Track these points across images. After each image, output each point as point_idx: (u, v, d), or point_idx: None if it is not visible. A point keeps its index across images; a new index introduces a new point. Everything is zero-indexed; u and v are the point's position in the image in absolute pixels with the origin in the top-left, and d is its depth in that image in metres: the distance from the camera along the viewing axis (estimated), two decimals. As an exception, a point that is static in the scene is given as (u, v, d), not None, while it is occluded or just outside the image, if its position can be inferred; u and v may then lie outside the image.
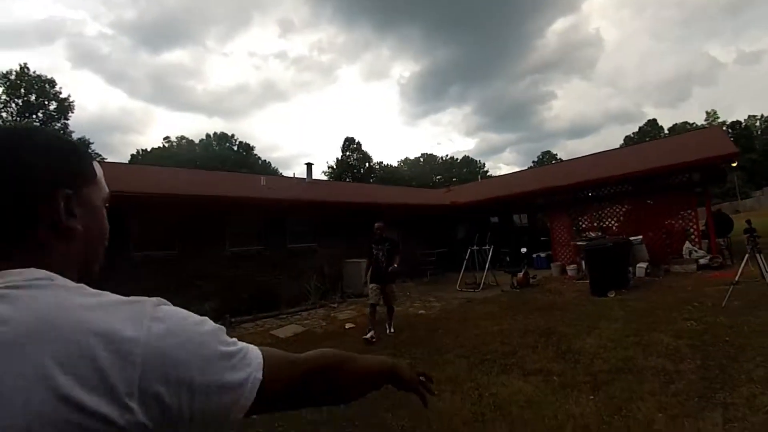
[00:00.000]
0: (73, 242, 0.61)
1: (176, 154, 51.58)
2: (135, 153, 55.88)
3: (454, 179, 60.22)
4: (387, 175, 51.65)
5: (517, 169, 28.26)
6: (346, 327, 7.43)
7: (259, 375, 0.61)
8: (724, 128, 37.48)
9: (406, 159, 69.70)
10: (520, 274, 10.21)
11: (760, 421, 2.81)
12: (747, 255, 6.13)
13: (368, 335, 5.93)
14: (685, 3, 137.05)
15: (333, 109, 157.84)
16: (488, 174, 66.42)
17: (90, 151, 42.76)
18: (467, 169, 69.33)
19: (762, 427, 2.74)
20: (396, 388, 0.96)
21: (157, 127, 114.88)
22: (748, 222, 6.68)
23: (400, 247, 6.57)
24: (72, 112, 41.37)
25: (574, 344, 4.91)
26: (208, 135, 60.68)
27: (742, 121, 64.31)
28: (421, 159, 72.10)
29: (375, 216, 13.59)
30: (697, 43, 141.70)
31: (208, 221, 9.50)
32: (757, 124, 65.85)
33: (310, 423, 3.50)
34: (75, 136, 42.05)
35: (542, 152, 79.52)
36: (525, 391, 3.69)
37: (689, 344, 4.52)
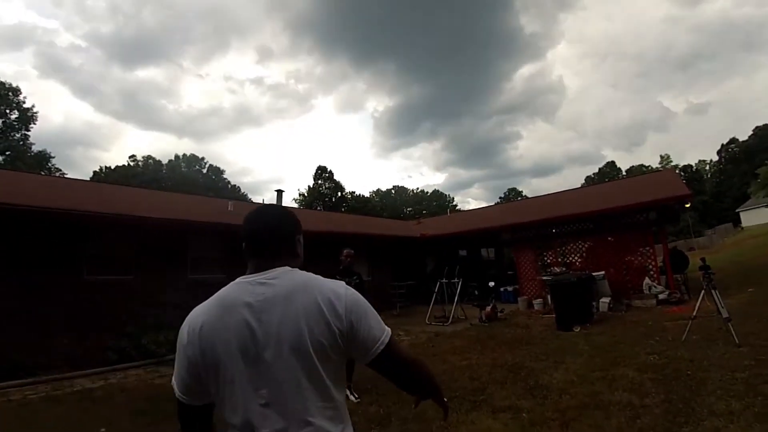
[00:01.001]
0: (299, 259, 1.22)
1: (141, 174, 49.73)
2: (98, 170, 53.37)
3: (424, 212, 60.87)
4: (358, 205, 51.60)
5: (484, 204, 29.02)
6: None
7: (389, 337, 1.09)
8: (677, 171, 39.95)
9: (378, 190, 70.09)
10: (488, 308, 10.23)
11: (725, 457, 2.81)
12: (703, 291, 6.37)
13: (351, 395, 4.78)
14: (641, 57, 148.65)
15: (306, 137, 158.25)
16: (457, 208, 67.65)
17: (50, 165, 40.89)
18: (437, 202, 70.36)
19: (727, 462, 2.74)
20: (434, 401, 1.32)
21: (123, 144, 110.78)
22: (703, 260, 7.02)
23: (365, 286, 5.11)
24: (34, 123, 39.35)
25: (541, 379, 4.87)
26: (176, 156, 58.88)
27: (693, 165, 68.93)
28: (393, 191, 72.71)
29: (343, 244, 13.50)
30: (652, 94, 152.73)
31: (169, 246, 9.10)
32: (707, 168, 70.63)
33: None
34: (35, 148, 40.14)
35: (508, 189, 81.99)
36: (494, 430, 3.59)
37: (652, 378, 4.57)
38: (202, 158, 60.88)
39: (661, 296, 9.94)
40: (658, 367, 4.96)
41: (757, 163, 33.47)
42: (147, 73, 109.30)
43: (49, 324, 7.18)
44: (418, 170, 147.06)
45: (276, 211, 1.24)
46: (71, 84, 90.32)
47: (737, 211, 45.86)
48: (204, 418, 1.11)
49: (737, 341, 5.43)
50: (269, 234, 1.15)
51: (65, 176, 33.70)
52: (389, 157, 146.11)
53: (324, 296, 1.02)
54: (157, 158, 56.79)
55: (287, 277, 1.06)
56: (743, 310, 7.63)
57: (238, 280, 1.13)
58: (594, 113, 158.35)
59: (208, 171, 60.31)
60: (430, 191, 75.87)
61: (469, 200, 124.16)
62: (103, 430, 4.20)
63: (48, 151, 41.19)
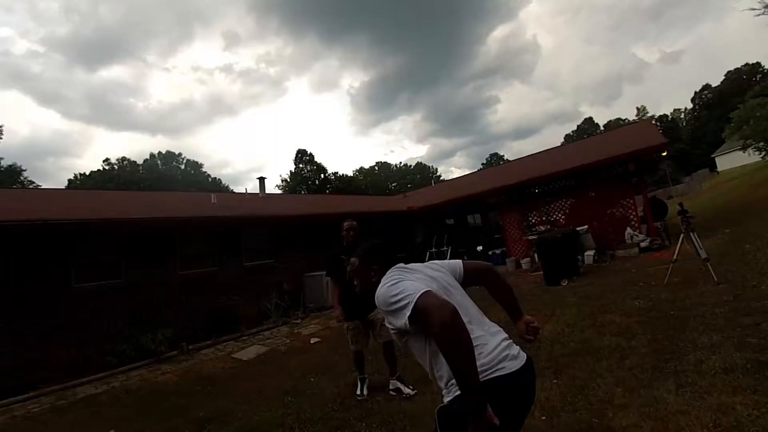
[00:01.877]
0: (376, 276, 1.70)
1: (118, 177, 48.51)
2: (72, 178, 51.90)
3: (409, 185, 60.94)
4: (343, 185, 51.32)
5: (467, 172, 29.09)
6: (312, 342, 7.28)
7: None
8: (654, 122, 40.50)
9: (361, 168, 69.73)
10: (480, 272, 10.42)
11: (708, 384, 3.01)
12: (682, 235, 6.60)
13: (361, 391, 4.18)
14: (613, 8, 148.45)
15: (284, 121, 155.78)
16: (441, 178, 67.86)
17: (22, 178, 39.66)
18: (420, 174, 70.43)
19: (711, 388, 2.93)
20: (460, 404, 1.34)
21: (96, 149, 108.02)
22: (681, 204, 7.16)
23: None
24: (0, 138, 37.97)
25: (534, 333, 5.06)
26: (152, 155, 57.66)
27: (669, 114, 69.86)
28: (376, 167, 72.50)
29: (333, 226, 13.52)
30: (625, 46, 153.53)
31: (156, 246, 9.01)
32: (682, 116, 71.64)
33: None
34: (4, 163, 38.79)
35: (490, 154, 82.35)
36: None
37: (639, 321, 4.80)
38: (179, 154, 59.70)
39: (642, 244, 10.25)
40: (643, 311, 5.19)
41: (731, 107, 34.02)
42: (111, 73, 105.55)
43: (45, 336, 7.13)
44: (399, 144, 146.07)
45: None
46: (34, 93, 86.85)
47: (712, 156, 46.89)
48: None
49: (716, 279, 5.68)
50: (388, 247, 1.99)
51: (40, 188, 32.78)
52: (369, 133, 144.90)
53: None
54: (133, 159, 55.50)
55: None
56: (721, 249, 7.95)
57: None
58: (570, 70, 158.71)
59: (186, 166, 59.22)
60: (413, 164, 75.88)
61: (453, 169, 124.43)
62: (112, 431, 4.26)
63: (18, 165, 39.92)
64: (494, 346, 1.48)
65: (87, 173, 51.67)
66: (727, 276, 5.91)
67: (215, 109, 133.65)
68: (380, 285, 1.59)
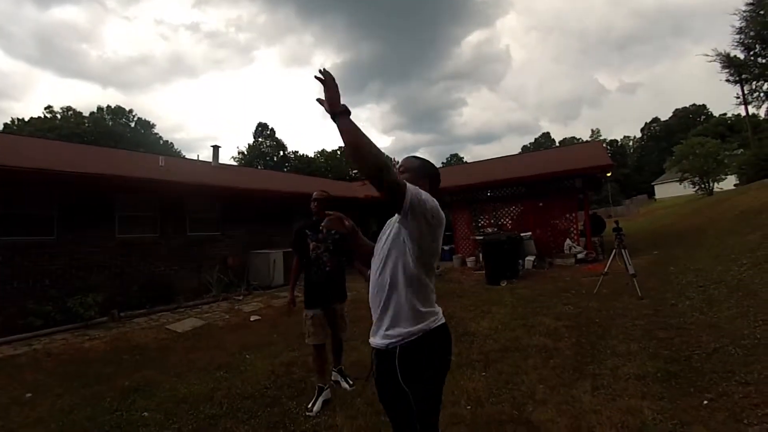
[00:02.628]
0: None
1: (60, 127, 44.64)
2: (9, 122, 47.43)
3: (368, 175, 60.64)
4: (302, 165, 50.42)
5: (427, 168, 29.41)
6: (252, 319, 7.15)
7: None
8: (604, 145, 42.88)
9: (323, 150, 68.47)
10: (426, 266, 10.67)
11: (622, 387, 3.27)
12: (615, 250, 7.08)
13: (313, 404, 3.33)
14: (584, 35, 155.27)
15: (247, 92, 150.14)
16: (401, 172, 68.13)
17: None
18: (382, 165, 70.53)
19: (623, 392, 3.18)
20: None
21: (38, 94, 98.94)
22: (616, 222, 7.79)
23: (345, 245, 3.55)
24: None
25: (470, 327, 5.28)
26: (100, 108, 53.46)
27: (619, 140, 74.35)
28: (338, 152, 71.73)
29: (288, 204, 13.31)
30: (589, 70, 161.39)
31: (95, 204, 8.44)
32: (631, 144, 76.56)
33: (208, 417, 3.31)
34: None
35: (451, 154, 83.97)
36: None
37: (566, 325, 5.11)
38: (130, 111, 55.95)
39: (579, 256, 10.90)
40: (571, 316, 5.53)
41: (675, 141, 36.75)
42: (65, 13, 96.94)
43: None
44: (365, 131, 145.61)
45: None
46: (-26, 23, 78.24)
47: (653, 184, 50.45)
48: None
49: (640, 294, 6.15)
50: None
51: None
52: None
53: None
54: (78, 110, 51.25)
55: None
56: (648, 269, 8.59)
57: None
58: (536, 85, 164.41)
59: (136, 125, 55.69)
60: (375, 154, 75.69)
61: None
62: (29, 395, 4.00)
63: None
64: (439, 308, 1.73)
65: (26, 119, 47.38)
66: (650, 292, 6.40)
67: (175, 68, 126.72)
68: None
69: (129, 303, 8.17)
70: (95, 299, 7.41)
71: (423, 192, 1.48)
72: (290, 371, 4.24)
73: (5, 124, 47.01)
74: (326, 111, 1.47)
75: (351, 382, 3.72)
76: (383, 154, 1.41)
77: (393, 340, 1.56)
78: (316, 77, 1.49)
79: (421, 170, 1.80)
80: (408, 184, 1.44)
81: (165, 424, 3.22)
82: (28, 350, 5.75)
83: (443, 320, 1.67)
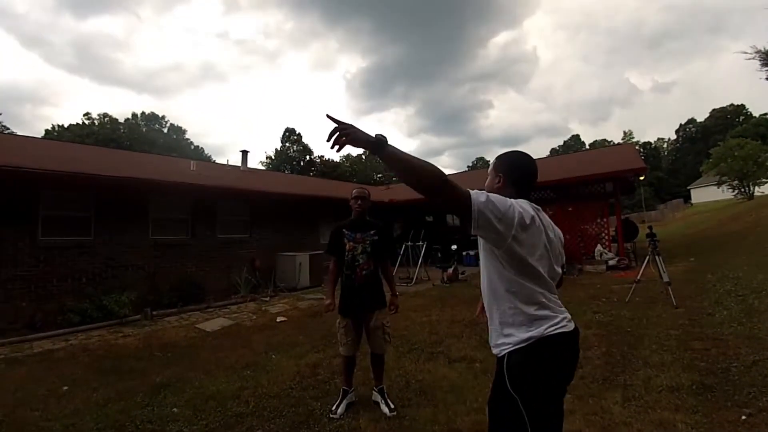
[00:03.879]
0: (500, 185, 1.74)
1: (97, 133, 46.79)
2: (50, 128, 49.57)
3: (393, 178, 60.87)
4: (328, 170, 50.86)
5: (454, 172, 29.33)
6: (278, 320, 7.26)
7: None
8: (637, 147, 41.58)
9: (348, 155, 69.09)
10: (450, 270, 10.60)
11: (654, 399, 3.15)
12: (648, 257, 6.84)
13: (337, 406, 3.28)
14: (614, 32, 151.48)
15: (274, 97, 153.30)
16: (426, 175, 67.89)
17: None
18: (407, 169, 70.44)
19: (656, 404, 3.07)
20: None
21: (77, 101, 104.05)
22: (650, 228, 7.52)
23: (390, 242, 3.56)
24: None
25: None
26: (134, 114, 55.71)
27: (652, 142, 71.85)
28: (363, 156, 72.18)
29: (313, 208, 13.50)
30: (620, 70, 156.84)
31: (130, 206, 8.80)
32: (665, 146, 73.87)
33: (235, 415, 3.38)
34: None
35: (477, 157, 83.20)
36: (449, 377, 3.85)
37: (596, 334, 4.97)
38: (163, 117, 58.01)
39: (611, 262, 10.58)
40: (602, 324, 5.37)
41: (712, 143, 35.29)
42: (101, 23, 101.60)
43: (4, 288, 6.93)
44: (390, 136, 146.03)
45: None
46: (18, 33, 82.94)
47: (689, 188, 48.44)
48: None
49: (675, 303, 5.92)
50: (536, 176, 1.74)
51: (15, 134, 31.49)
52: (361, 120, 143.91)
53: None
54: (114, 116, 53.49)
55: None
56: (683, 276, 8.26)
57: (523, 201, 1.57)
58: (564, 86, 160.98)
59: (169, 131, 57.68)
60: (400, 158, 75.68)
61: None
62: (65, 388, 4.17)
63: (-6, 108, 38.11)
64: (561, 313, 1.58)
65: (65, 125, 49.75)
66: (686, 302, 6.16)
67: (205, 75, 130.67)
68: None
69: (161, 302, 8.45)
70: (129, 298, 7.70)
71: (490, 195, 1.40)
72: (315, 372, 4.28)
73: (46, 130, 49.47)
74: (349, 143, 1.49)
75: (392, 406, 3.23)
76: (437, 169, 1.38)
77: (503, 348, 1.54)
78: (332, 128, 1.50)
79: (498, 166, 1.73)
80: (473, 192, 1.37)
81: (193, 420, 3.30)
82: (66, 345, 6.00)
83: (566, 327, 1.53)
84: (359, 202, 3.36)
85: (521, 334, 1.49)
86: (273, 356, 5.00)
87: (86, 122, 51.12)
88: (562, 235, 1.75)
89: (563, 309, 1.60)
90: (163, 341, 6.03)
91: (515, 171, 1.69)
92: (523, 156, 1.75)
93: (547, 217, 1.66)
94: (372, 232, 3.35)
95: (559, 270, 1.66)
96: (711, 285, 7.12)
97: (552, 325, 1.50)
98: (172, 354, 5.36)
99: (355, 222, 3.38)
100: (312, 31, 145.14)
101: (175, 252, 9.49)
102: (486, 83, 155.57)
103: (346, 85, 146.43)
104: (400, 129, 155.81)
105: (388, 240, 3.46)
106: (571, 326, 1.57)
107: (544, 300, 1.53)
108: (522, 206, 1.49)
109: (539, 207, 1.63)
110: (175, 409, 3.52)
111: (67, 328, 6.82)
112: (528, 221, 1.46)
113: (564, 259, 1.75)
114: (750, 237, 11.30)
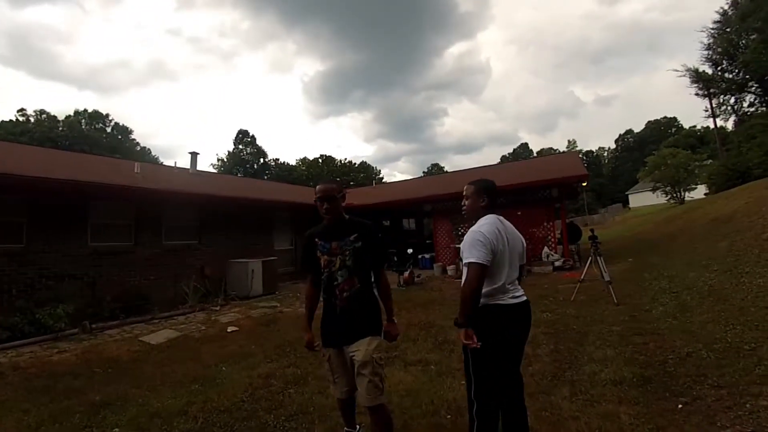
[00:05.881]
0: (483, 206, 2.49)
1: (33, 131, 43.27)
2: (-23, 125, 45.77)
3: (351, 183, 60.72)
4: (283, 173, 49.90)
5: (409, 177, 29.69)
6: (229, 330, 6.99)
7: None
8: (581, 156, 44.01)
9: (305, 159, 67.95)
10: (406, 274, 10.72)
11: (599, 393, 3.31)
12: (591, 258, 7.22)
13: None
14: (560, 48, 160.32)
15: (228, 98, 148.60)
16: (383, 180, 68.49)
17: None
18: (364, 174, 70.41)
19: (601, 397, 3.22)
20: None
21: (10, 95, 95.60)
22: (592, 230, 8.01)
23: (381, 240, 2.67)
24: None
25: (450, 335, 5.27)
26: (76, 111, 51.93)
27: (594, 150, 76.42)
28: (320, 160, 71.27)
29: (267, 213, 13.15)
30: (566, 83, 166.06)
31: (68, 211, 8.19)
32: (606, 154, 78.82)
33: None
34: None
35: (432, 164, 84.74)
36: (405, 381, 3.85)
37: (545, 332, 5.17)
38: (107, 115, 54.57)
39: (557, 263, 11.09)
40: (549, 323, 5.60)
41: (647, 152, 37.99)
42: (41, 13, 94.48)
43: None
44: (347, 140, 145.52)
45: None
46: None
47: (627, 193, 51.91)
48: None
49: (616, 301, 6.29)
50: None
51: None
52: (317, 124, 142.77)
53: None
54: (53, 113, 49.66)
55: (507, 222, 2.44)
56: (623, 276, 8.78)
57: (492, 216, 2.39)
58: (515, 97, 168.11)
59: (113, 130, 54.35)
60: (358, 162, 75.66)
61: (396, 174, 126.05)
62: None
63: None
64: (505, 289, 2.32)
65: (-3, 122, 45.70)
66: (626, 299, 6.55)
67: (155, 73, 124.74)
68: (481, 221, 2.35)
69: (101, 314, 7.89)
70: (66, 310, 7.13)
71: (465, 247, 2.29)
72: (268, 383, 4.14)
73: (-27, 127, 45.21)
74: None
75: None
76: (470, 293, 2.16)
77: None
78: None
79: (477, 192, 2.46)
80: (471, 264, 2.18)
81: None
82: (-7, 364, 5.46)
83: (507, 301, 2.29)
84: (326, 205, 2.46)
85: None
86: (223, 368, 4.80)
87: (20, 119, 47.16)
88: (520, 240, 2.48)
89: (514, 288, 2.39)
90: (104, 356, 5.63)
91: (491, 192, 2.45)
92: (490, 181, 2.53)
93: (508, 226, 2.42)
94: (352, 238, 2.46)
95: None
96: (648, 283, 7.61)
97: (495, 299, 2.31)
98: (113, 370, 5.02)
99: (329, 228, 2.53)
100: (269, 32, 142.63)
101: (117, 260, 8.92)
102: (442, 92, 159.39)
103: (303, 88, 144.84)
104: (357, 134, 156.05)
105: (374, 244, 2.53)
106: (510, 300, 2.32)
107: (500, 282, 2.30)
108: (490, 230, 2.27)
109: (501, 217, 2.42)
110: (116, 430, 3.29)
111: (-6, 345, 6.22)
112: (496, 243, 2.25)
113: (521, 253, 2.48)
114: (682, 238, 12.21)
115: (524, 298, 2.38)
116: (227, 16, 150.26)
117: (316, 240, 2.55)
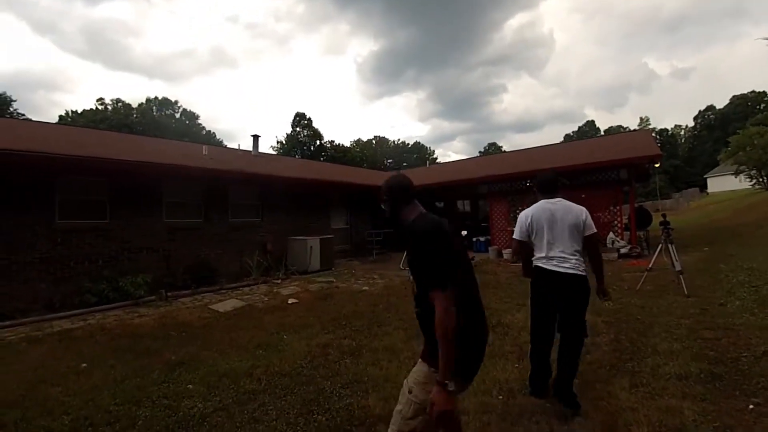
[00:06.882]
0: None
1: (111, 118, 47.31)
2: (63, 114, 50.48)
3: (404, 164, 60.72)
4: (338, 154, 50.72)
5: (465, 157, 29.07)
6: (289, 302, 7.38)
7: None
8: (653, 134, 40.75)
9: (359, 140, 68.72)
10: (462, 257, 10.61)
11: (662, 386, 3.17)
12: (661, 246, 6.77)
13: None
14: (630, 15, 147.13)
15: (285, 81, 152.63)
16: (437, 161, 67.68)
17: (11, 110, 38.44)
18: (417, 154, 70.06)
19: (663, 391, 3.08)
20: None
21: (90, 86, 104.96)
22: (664, 216, 7.40)
23: (423, 248, 1.75)
24: None
25: (504, 319, 5.23)
26: (148, 99, 56.06)
27: (669, 129, 70.16)
28: (374, 141, 71.65)
29: (324, 193, 13.56)
30: (638, 54, 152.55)
31: (144, 190, 8.94)
32: (682, 133, 72.06)
33: (247, 392, 3.48)
34: (-6, 91, 37.61)
35: (489, 143, 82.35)
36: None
37: (606, 321, 4.97)
38: (176, 102, 58.25)
39: (622, 250, 10.49)
40: (611, 312, 5.36)
41: (731, 131, 34.34)
42: (112, 9, 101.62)
43: (23, 270, 7.13)
44: (400, 120, 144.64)
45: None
46: (30, 20, 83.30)
47: (705, 177, 47.41)
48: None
49: (686, 292, 5.87)
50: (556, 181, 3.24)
51: (30, 120, 31.94)
52: (371, 105, 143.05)
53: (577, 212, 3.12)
54: (127, 101, 53.89)
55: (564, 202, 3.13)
56: (696, 266, 8.17)
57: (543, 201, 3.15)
58: (580, 71, 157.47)
59: (181, 116, 57.97)
60: (411, 143, 75.27)
61: (450, 153, 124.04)
62: (84, 365, 4.31)
63: (8, 95, 38.76)
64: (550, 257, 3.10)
65: (79, 111, 50.33)
66: (698, 291, 6.11)
67: (217, 60, 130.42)
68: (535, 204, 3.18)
69: (175, 284, 8.63)
70: (144, 279, 7.90)
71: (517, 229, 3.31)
72: (326, 352, 4.36)
73: (60, 116, 50.10)
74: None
75: None
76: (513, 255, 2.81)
77: None
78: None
79: (535, 185, 3.33)
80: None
81: (207, 397, 3.41)
82: (84, 325, 6.18)
83: (547, 266, 3.10)
84: (382, 206, 2.10)
85: None
86: (284, 336, 5.10)
87: (99, 108, 51.57)
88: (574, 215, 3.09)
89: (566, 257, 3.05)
90: (178, 321, 6.18)
91: (538, 185, 3.25)
92: (544, 172, 3.31)
93: (552, 206, 3.10)
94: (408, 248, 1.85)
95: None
96: (724, 275, 7.03)
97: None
98: (186, 333, 5.50)
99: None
100: (323, 14, 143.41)
101: (188, 235, 9.65)
102: (500, 67, 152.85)
103: (357, 69, 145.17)
104: (411, 114, 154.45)
105: (416, 253, 1.78)
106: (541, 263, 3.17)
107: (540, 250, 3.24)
108: (527, 213, 3.20)
109: (552, 200, 3.13)
110: (190, 386, 3.64)
111: (85, 309, 7.02)
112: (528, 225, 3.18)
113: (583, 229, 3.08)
114: (766, 227, 11.09)
115: (571, 270, 2.91)
116: (282, 1, 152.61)
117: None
